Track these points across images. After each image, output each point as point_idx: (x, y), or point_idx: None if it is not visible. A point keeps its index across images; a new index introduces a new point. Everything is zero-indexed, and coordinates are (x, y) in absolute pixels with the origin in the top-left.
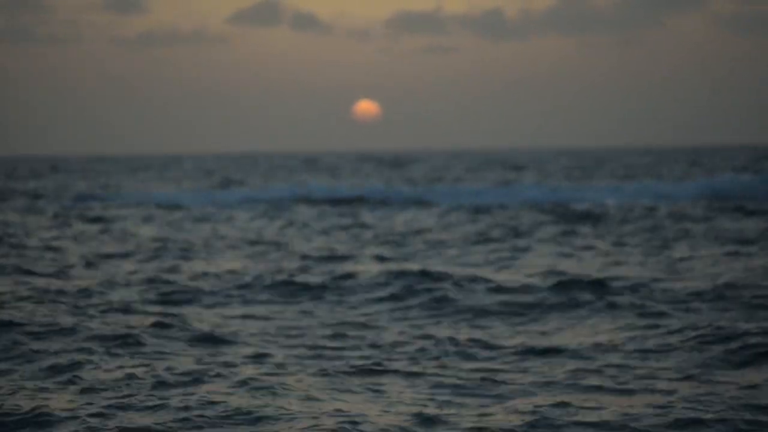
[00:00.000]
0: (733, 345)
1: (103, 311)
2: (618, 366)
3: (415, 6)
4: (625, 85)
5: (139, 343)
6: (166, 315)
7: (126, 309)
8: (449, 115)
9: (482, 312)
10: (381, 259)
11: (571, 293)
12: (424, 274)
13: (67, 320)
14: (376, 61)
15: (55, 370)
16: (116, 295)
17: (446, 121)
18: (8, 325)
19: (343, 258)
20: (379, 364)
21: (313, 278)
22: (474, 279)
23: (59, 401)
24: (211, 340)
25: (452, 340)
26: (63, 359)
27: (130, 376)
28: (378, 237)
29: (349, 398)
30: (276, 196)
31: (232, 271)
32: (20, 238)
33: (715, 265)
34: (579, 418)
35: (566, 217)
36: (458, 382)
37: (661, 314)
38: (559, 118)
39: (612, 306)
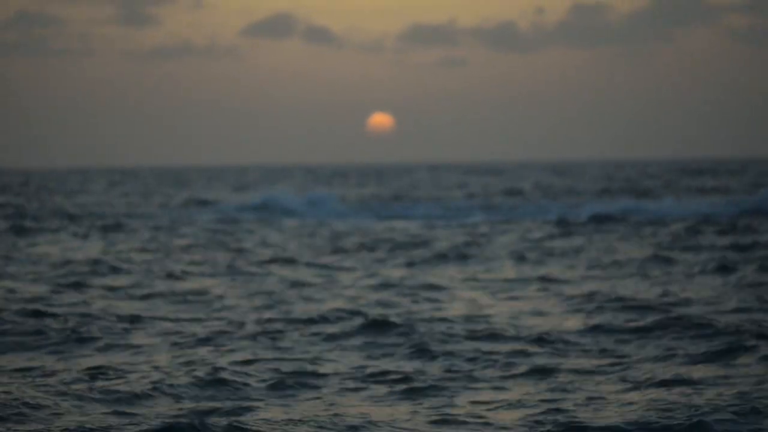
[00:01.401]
0: None
1: None
2: None
3: (427, 19)
4: (637, 97)
5: None
6: None
7: None
8: (463, 128)
9: None
10: None
11: None
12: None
13: None
14: (389, 74)
15: None
16: None
17: (460, 134)
18: None
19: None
20: None
21: None
22: None
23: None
24: None
25: None
26: None
27: None
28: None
29: None
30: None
31: None
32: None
33: None
34: None
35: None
36: None
37: None
38: (571, 130)
39: None
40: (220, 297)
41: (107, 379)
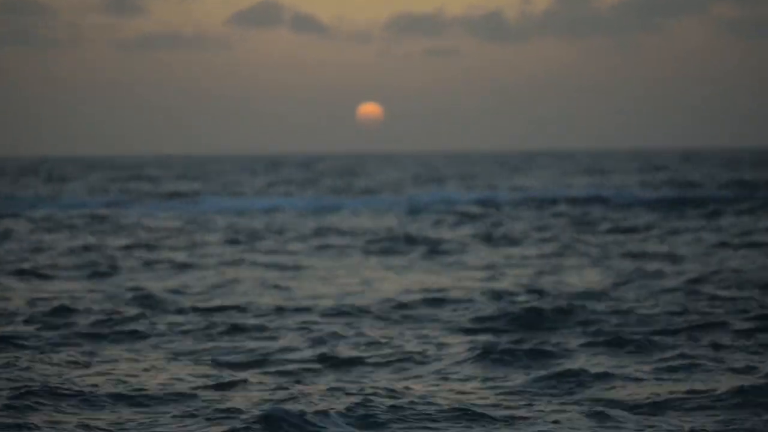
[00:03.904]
0: None
1: None
2: None
3: (415, 8)
4: (626, 87)
5: None
6: None
7: None
8: (453, 117)
9: None
10: None
11: None
12: None
13: None
14: (377, 63)
15: None
16: None
17: (450, 123)
18: None
19: None
20: None
21: None
22: None
23: None
24: None
25: None
26: None
27: None
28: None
29: None
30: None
31: None
32: None
33: None
34: None
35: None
36: None
37: None
38: (560, 120)
39: None
40: None
41: None
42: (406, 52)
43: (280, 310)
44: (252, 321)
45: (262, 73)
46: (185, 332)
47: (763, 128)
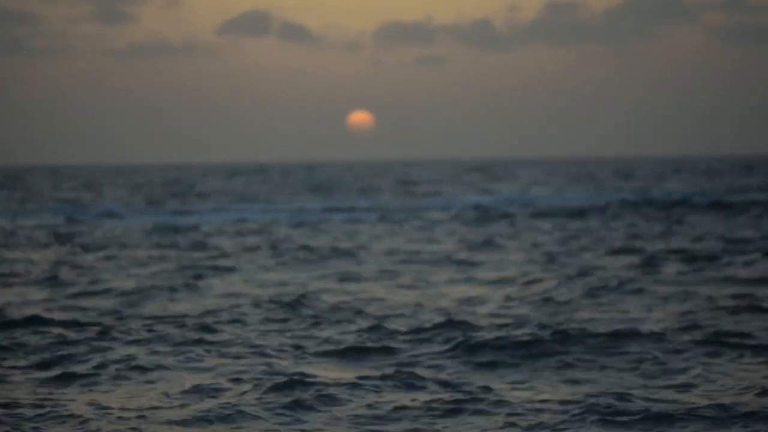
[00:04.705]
0: None
1: None
2: None
3: (404, 17)
4: (616, 95)
5: None
6: None
7: None
8: (443, 125)
9: None
10: None
11: None
12: None
13: None
14: (367, 71)
15: None
16: None
17: (440, 131)
18: None
19: None
20: None
21: None
22: None
23: None
24: None
25: None
26: None
27: None
28: None
29: None
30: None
31: None
32: None
33: None
34: None
35: None
36: None
37: None
38: (550, 128)
39: None
40: None
41: None
42: (396, 61)
43: None
44: None
45: (251, 82)
46: None
47: (753, 134)
